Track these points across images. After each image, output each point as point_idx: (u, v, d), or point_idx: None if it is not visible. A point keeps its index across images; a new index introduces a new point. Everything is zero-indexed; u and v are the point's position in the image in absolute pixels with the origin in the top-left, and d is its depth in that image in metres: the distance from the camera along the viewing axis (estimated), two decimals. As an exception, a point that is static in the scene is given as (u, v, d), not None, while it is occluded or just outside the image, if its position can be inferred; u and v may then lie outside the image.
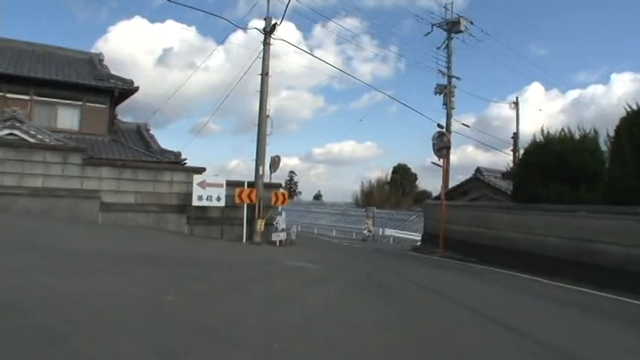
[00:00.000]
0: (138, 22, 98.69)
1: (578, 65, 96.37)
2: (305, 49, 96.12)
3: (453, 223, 17.86)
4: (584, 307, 8.45)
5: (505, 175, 16.99)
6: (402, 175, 63.62)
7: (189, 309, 5.54)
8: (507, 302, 8.52)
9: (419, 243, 32.86)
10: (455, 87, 29.07)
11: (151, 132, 27.80)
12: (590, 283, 10.68)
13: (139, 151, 23.60)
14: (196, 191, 15.73)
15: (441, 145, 18.38)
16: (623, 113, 12.12)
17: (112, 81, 24.63)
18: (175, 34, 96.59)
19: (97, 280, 6.51)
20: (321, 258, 13.94)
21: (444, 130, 18.49)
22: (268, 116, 20.99)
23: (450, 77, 28.88)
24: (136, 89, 24.91)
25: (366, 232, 32.04)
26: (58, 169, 14.80)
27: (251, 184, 17.07)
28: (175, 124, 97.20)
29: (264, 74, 17.32)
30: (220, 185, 16.13)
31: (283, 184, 22.09)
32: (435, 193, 58.63)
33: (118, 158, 19.79)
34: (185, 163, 22.05)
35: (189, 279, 7.48)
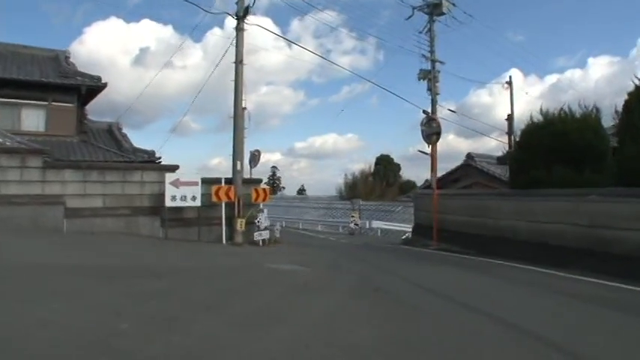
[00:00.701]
0: (113, 23, 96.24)
1: (556, 51, 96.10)
2: (282, 36, 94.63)
3: (446, 213, 16.82)
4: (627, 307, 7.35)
5: (501, 160, 15.98)
6: (386, 165, 62.62)
7: (148, 340, 4.37)
8: (537, 306, 7.14)
9: (408, 235, 32.14)
10: (439, 72, 28.02)
11: (124, 131, 26.43)
12: (606, 273, 9.62)
13: (110, 151, 22.17)
14: (169, 191, 14.46)
15: (430, 132, 17.31)
16: (616, 91, 11.09)
17: (79, 78, 23.10)
18: (152, 33, 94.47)
19: (40, 305, 5.31)
20: (307, 258, 12.79)
21: (433, 115, 17.35)
22: (245, 108, 19.77)
23: (433, 62, 27.75)
24: (104, 86, 23.43)
25: (352, 225, 30.93)
26: (15, 174, 13.46)
27: (229, 181, 15.84)
28: (156, 124, 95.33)
29: (239, 62, 16.06)
30: (195, 183, 14.87)
31: (266, 180, 20.93)
32: (419, 183, 57.50)
33: (85, 160, 18.39)
34: (160, 162, 20.75)
35: (154, 296, 6.28)
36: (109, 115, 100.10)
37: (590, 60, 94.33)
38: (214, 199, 15.20)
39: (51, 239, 11.70)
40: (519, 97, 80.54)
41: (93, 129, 25.36)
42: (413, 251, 16.10)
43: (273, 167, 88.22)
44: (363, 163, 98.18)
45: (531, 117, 14.21)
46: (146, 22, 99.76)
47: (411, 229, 32.28)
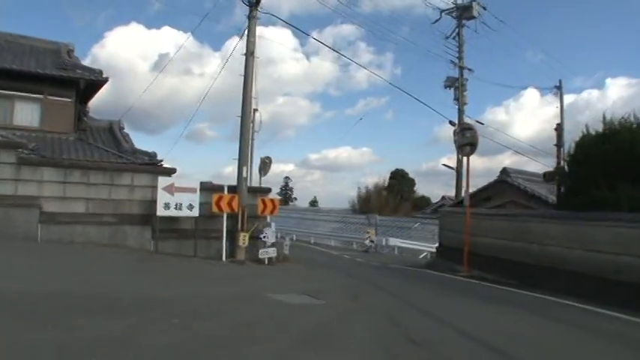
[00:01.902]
0: (135, 28, 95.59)
1: (573, 70, 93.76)
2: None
3: (480, 236, 14.65)
4: None
5: (548, 177, 13.80)
6: (400, 180, 60.70)
7: None
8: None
9: (427, 254, 30.02)
10: (467, 80, 26.13)
11: (125, 130, 24.60)
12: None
13: (109, 152, 20.32)
14: (162, 197, 12.51)
15: (463, 142, 15.22)
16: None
17: (78, 71, 21.29)
18: (171, 40, 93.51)
19: None
20: (319, 284, 10.70)
21: (468, 123, 15.28)
22: (256, 110, 17.88)
23: (461, 68, 25.86)
24: (105, 80, 21.57)
25: (367, 242, 28.83)
26: (-19, 170, 11.62)
27: (233, 189, 13.86)
28: (172, 130, 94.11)
29: (250, 54, 14.13)
30: (193, 190, 12.91)
31: (277, 190, 18.84)
32: (434, 199, 56.25)
33: (70, 158, 16.46)
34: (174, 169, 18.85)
35: (91, 350, 4.23)
36: (125, 120, 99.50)
37: (609, 81, 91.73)
38: (215, 209, 13.23)
39: (17, 251, 9.77)
40: (535, 114, 78.63)
41: (93, 127, 23.50)
42: (442, 279, 13.92)
43: (286, 178, 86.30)
44: (376, 177, 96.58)
45: (587, 127, 12.08)
46: (166, 29, 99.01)
47: (430, 249, 30.49)
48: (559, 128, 14.63)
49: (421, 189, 63.30)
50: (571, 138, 12.83)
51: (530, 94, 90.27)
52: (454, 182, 25.16)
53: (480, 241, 14.69)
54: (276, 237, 16.70)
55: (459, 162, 24.36)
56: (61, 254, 10.25)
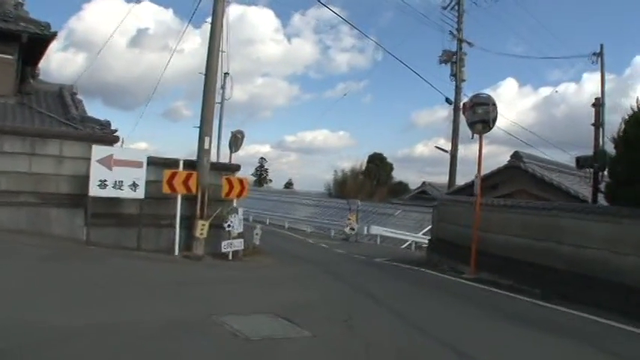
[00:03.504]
0: (113, 2, 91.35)
1: (551, 64, 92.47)
2: (281, 32, 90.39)
3: (492, 231, 12.13)
4: None
5: (583, 162, 11.26)
6: (378, 164, 58.47)
7: None
8: None
9: (410, 244, 27.61)
10: (466, 54, 23.46)
11: (79, 96, 21.48)
12: None
13: (52, 118, 17.30)
14: (97, 173, 9.68)
15: (474, 119, 12.60)
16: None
17: (22, 24, 18.09)
18: (151, 15, 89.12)
19: None
20: (297, 294, 8.03)
21: (482, 97, 12.61)
22: (227, 73, 15.03)
23: (460, 41, 23.17)
24: (52, 35, 18.31)
25: (348, 229, 26.20)
26: None
27: (191, 165, 11.07)
28: (148, 107, 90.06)
29: (218, -4, 11.23)
30: (138, 164, 10.08)
31: (252, 171, 16.05)
32: (412, 185, 54.04)
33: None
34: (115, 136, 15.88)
35: None
36: (98, 94, 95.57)
37: (585, 75, 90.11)
38: (166, 189, 10.41)
39: None
40: (510, 109, 76.77)
41: (40, 91, 20.38)
42: (447, 284, 11.32)
43: (262, 159, 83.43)
44: (352, 160, 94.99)
45: (639, 100, 9.51)
46: (146, 4, 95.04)
47: (415, 239, 28.10)
48: (598, 104, 12.09)
49: (397, 175, 61.25)
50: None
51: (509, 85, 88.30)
52: (430, 169, 22.78)
53: (491, 237, 12.16)
54: (247, 222, 14.04)
55: (455, 146, 21.79)
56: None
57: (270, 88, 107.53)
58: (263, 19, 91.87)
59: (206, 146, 11.11)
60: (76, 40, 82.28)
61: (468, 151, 43.17)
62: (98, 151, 9.72)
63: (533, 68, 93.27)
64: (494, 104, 12.41)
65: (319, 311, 6.86)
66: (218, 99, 16.45)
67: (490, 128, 12.46)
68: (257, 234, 14.28)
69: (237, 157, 14.94)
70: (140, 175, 10.05)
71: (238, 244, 11.30)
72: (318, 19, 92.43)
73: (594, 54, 17.63)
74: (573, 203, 11.55)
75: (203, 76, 11.43)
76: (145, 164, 10.14)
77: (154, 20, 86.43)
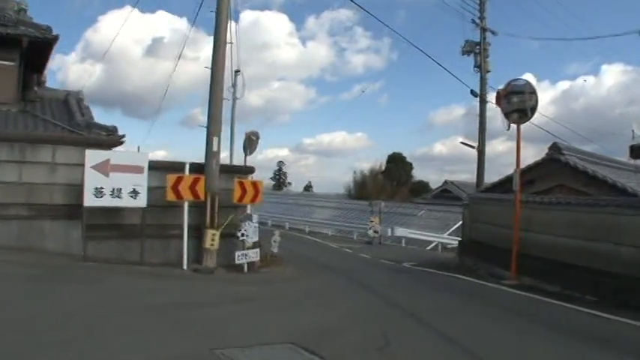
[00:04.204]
0: (128, 12, 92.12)
1: (570, 56, 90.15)
2: (295, 36, 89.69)
3: (534, 231, 10.92)
4: None
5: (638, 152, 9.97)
6: (398, 164, 57.21)
7: None
8: None
9: (436, 246, 26.31)
10: (489, 44, 22.15)
11: (85, 102, 20.62)
12: None
13: (56, 125, 16.42)
14: (93, 180, 8.67)
15: (510, 109, 11.39)
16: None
17: (22, 28, 17.26)
18: (166, 24, 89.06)
19: None
20: (321, 314, 6.90)
21: (518, 85, 11.37)
22: (238, 71, 14.07)
23: (483, 30, 21.88)
24: (54, 39, 17.50)
25: (371, 232, 25.06)
26: None
27: (198, 168, 10.01)
28: (165, 115, 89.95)
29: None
30: (138, 169, 9.04)
31: (271, 175, 14.93)
32: (433, 184, 52.67)
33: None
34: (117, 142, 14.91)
35: None
36: (116, 105, 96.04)
37: (604, 67, 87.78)
38: (171, 195, 9.36)
39: None
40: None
41: (45, 98, 19.58)
42: (487, 292, 10.09)
43: (280, 162, 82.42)
44: (371, 161, 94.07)
45: None
46: (161, 13, 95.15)
47: (441, 240, 26.79)
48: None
49: (416, 174, 60.10)
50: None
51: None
52: (450, 167, 21.45)
53: (533, 238, 10.93)
54: (265, 226, 12.96)
55: (482, 141, 20.45)
56: None
57: (286, 92, 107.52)
58: (277, 24, 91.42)
59: (214, 148, 10.02)
60: (92, 51, 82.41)
61: (489, 147, 41.74)
62: (93, 155, 8.70)
63: (558, 58, 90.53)
64: (531, 92, 11.19)
65: (349, 336, 5.72)
66: (229, 97, 15.51)
67: (528, 118, 11.23)
68: (275, 241, 13.21)
69: (255, 162, 14.04)
70: (141, 181, 9.01)
71: (254, 255, 10.21)
72: (333, 20, 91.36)
73: (642, 32, 15.99)
74: (634, 198, 10.26)
75: (209, 71, 10.36)
76: (146, 169, 9.09)
77: (169, 29, 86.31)
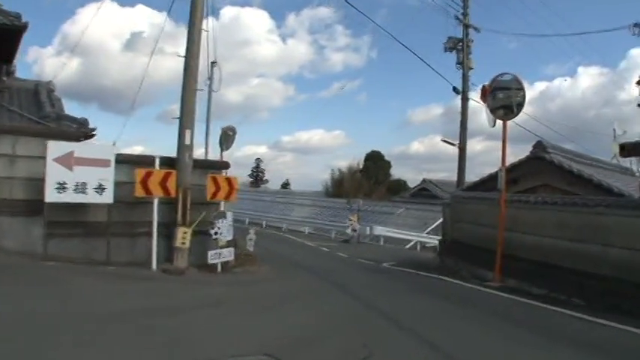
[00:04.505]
0: (107, 5, 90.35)
1: (546, 58, 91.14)
2: (276, 33, 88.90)
3: (519, 232, 10.60)
4: None
5: (631, 149, 9.67)
6: (376, 162, 57.06)
7: None
8: None
9: (415, 244, 26.03)
10: (472, 41, 21.89)
11: (56, 93, 19.85)
12: None
13: (23, 116, 15.69)
14: (55, 173, 8.08)
15: (495, 105, 11.05)
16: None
17: (-12, 14, 16.47)
18: (145, 18, 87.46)
19: None
20: (298, 321, 6.42)
21: (504, 80, 11.01)
22: (214, 62, 13.60)
23: (466, 26, 21.61)
24: (23, 26, 16.75)
25: (349, 230, 24.69)
26: None
27: (169, 162, 9.47)
28: (142, 110, 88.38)
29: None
30: (104, 163, 8.47)
31: (249, 172, 14.45)
32: (411, 183, 52.52)
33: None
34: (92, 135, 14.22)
35: None
36: (93, 99, 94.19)
37: (580, 69, 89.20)
38: (139, 191, 8.81)
39: None
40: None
41: (14, 88, 18.80)
42: (470, 294, 9.74)
43: (258, 159, 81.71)
44: (348, 159, 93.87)
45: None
46: (141, 7, 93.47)
47: (420, 239, 26.50)
48: (645, 80, 10.60)
49: (394, 172, 60.15)
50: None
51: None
52: (427, 166, 21.22)
53: (518, 239, 10.62)
54: (242, 224, 12.47)
55: (463, 139, 20.20)
56: None
57: (265, 89, 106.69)
58: (257, 20, 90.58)
59: (187, 141, 9.49)
60: (69, 44, 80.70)
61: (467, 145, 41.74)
62: (55, 147, 8.11)
63: (538, 57, 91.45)
64: (518, 88, 10.85)
65: (328, 345, 5.26)
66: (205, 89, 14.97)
67: (515, 114, 10.90)
68: (251, 239, 12.77)
69: (233, 158, 13.59)
70: (107, 175, 8.44)
71: (228, 254, 9.71)
72: (313, 17, 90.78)
73: (635, 25, 15.63)
74: (623, 198, 9.99)
75: (183, 60, 9.81)
76: (113, 162, 8.52)
77: (149, 23, 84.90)
